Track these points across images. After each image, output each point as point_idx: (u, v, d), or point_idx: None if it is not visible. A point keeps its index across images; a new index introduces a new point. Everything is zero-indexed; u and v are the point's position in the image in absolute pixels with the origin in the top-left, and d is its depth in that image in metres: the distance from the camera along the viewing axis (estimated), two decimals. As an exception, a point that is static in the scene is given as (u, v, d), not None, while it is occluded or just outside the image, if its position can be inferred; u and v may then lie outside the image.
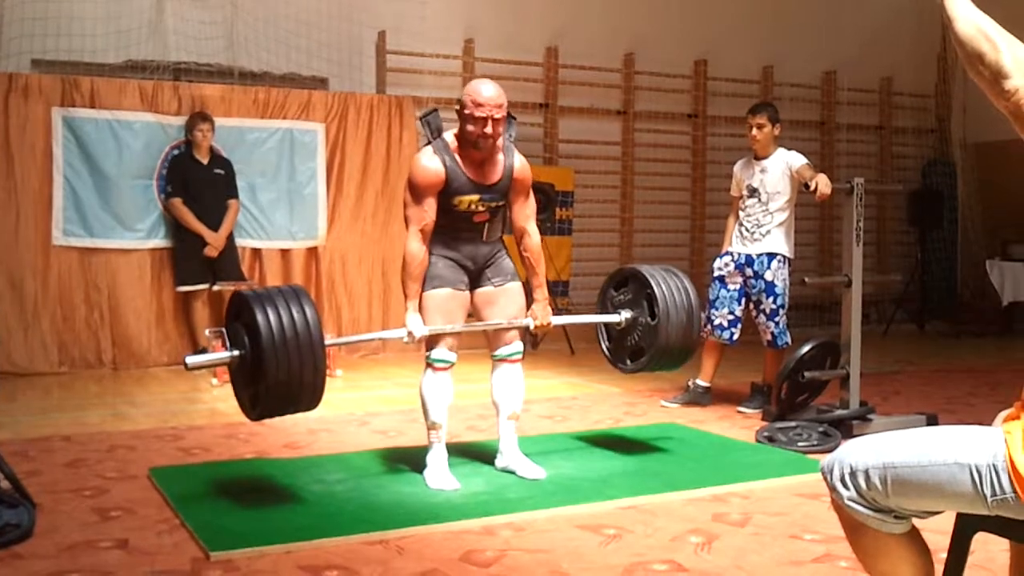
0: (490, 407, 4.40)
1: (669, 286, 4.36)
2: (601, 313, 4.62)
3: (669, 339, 4.35)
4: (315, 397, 3.66)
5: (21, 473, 3.76)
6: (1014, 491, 1.94)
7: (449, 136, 4.09)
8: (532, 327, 4.27)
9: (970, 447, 2.01)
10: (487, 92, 3.96)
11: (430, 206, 4.02)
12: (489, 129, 3.95)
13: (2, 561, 3.19)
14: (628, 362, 4.54)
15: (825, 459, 2.23)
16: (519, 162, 4.21)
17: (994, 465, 1.97)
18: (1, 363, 6.85)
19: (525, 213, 4.26)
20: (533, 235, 4.27)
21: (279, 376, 3.49)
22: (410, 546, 3.35)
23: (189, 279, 7.31)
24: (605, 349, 4.67)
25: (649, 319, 4.38)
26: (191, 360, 3.73)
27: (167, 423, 5.41)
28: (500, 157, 4.14)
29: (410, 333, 4.01)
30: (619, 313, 4.49)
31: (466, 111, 3.97)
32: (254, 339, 3.52)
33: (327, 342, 3.68)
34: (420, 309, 4.06)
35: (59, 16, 7.36)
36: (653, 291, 4.34)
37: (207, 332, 6.80)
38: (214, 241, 7.25)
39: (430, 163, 4.02)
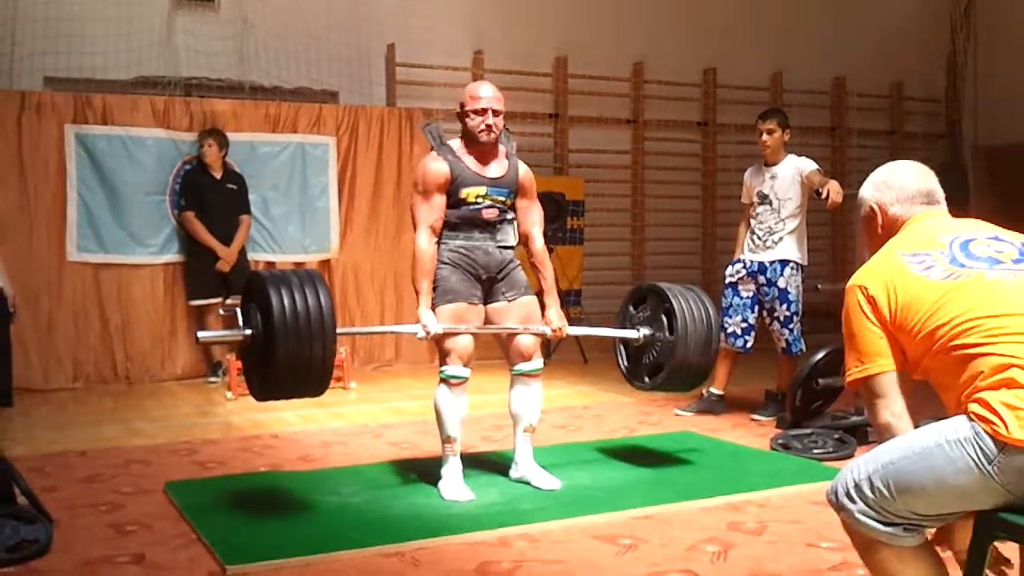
0: (504, 417, 4.40)
1: (689, 303, 4.35)
2: (621, 325, 4.60)
3: (688, 355, 4.33)
4: (323, 383, 3.67)
5: (38, 489, 3.78)
6: (1001, 443, 2.00)
7: (454, 143, 4.21)
8: (548, 334, 4.27)
9: (950, 427, 2.11)
10: (483, 88, 4.18)
11: (437, 203, 4.09)
12: (490, 120, 4.09)
13: (20, 577, 3.20)
14: (646, 379, 4.53)
15: (828, 487, 2.29)
16: (523, 167, 4.32)
17: (976, 432, 2.05)
18: (16, 379, 6.88)
19: (532, 218, 4.31)
20: (537, 239, 4.31)
21: (288, 358, 3.49)
22: (426, 558, 3.35)
23: (202, 293, 7.33)
24: (623, 367, 4.65)
25: (668, 334, 4.37)
26: (203, 335, 3.80)
27: (182, 437, 5.42)
28: (504, 158, 4.24)
29: (424, 327, 4.01)
30: (638, 330, 4.48)
31: (466, 107, 4.15)
32: (266, 320, 3.52)
33: (339, 330, 3.68)
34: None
35: (71, 34, 7.41)
36: (672, 306, 4.32)
37: (220, 311, 6.85)
38: (226, 256, 7.28)
39: (434, 161, 4.14)
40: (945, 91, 11.20)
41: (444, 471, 4.15)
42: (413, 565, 3.29)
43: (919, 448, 2.12)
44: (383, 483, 4.34)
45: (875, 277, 2.34)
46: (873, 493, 2.13)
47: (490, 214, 4.17)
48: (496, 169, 4.20)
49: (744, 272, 5.85)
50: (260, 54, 8.03)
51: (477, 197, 4.13)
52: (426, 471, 4.39)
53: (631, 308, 4.57)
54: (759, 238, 5.83)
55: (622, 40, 9.50)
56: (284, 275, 3.67)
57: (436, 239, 4.11)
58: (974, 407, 2.08)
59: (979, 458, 2.04)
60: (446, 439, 4.14)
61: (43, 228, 7.20)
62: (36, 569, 3.26)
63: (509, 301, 4.22)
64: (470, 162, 4.15)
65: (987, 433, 2.03)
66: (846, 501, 2.18)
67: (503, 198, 4.20)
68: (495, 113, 4.10)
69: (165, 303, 7.52)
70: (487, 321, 4.23)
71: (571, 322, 6.93)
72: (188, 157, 7.52)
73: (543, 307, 4.30)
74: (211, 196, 7.29)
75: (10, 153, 7.10)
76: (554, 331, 4.25)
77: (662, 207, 9.80)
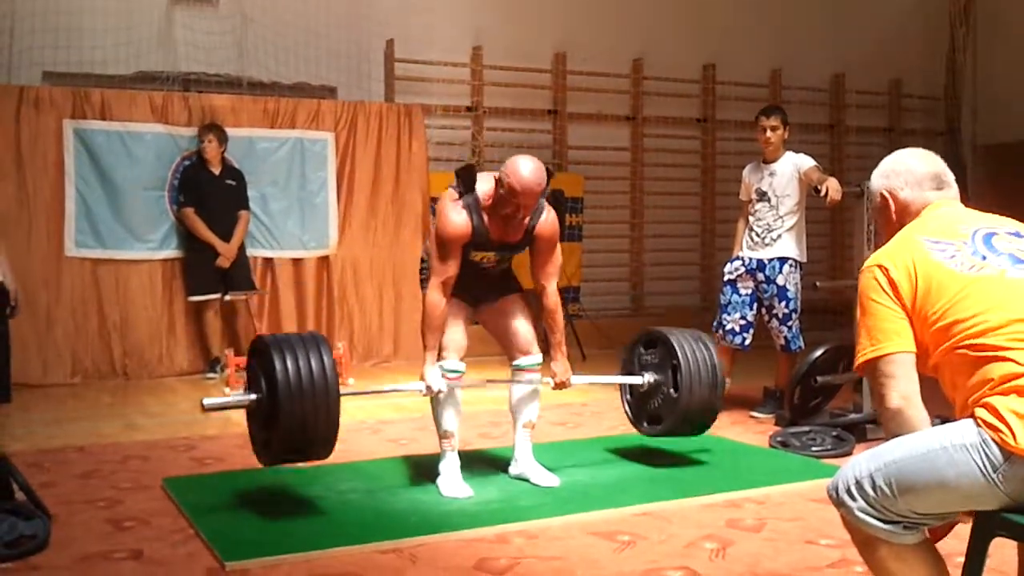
0: (501, 414, 4.41)
1: (696, 358, 4.35)
2: (627, 369, 4.62)
3: (690, 413, 4.37)
4: (327, 447, 3.70)
5: (36, 484, 3.77)
6: (1007, 452, 1.99)
7: (481, 191, 3.97)
8: (552, 386, 4.26)
9: (958, 431, 2.09)
10: (527, 182, 3.82)
11: (454, 261, 3.97)
12: (520, 213, 3.92)
13: (19, 572, 3.20)
14: (646, 424, 4.56)
15: (828, 483, 2.26)
16: (545, 218, 4.07)
17: (983, 439, 2.03)
18: (15, 374, 6.87)
19: (547, 271, 4.16)
20: (552, 295, 4.17)
21: (293, 425, 3.53)
22: (424, 554, 3.35)
23: (201, 289, 7.33)
24: (626, 405, 4.68)
25: (672, 391, 4.38)
26: (208, 402, 3.75)
27: (180, 433, 5.42)
28: (526, 219, 4.04)
29: (428, 387, 3.99)
30: (643, 375, 4.50)
31: (502, 190, 3.88)
32: (271, 386, 3.56)
33: (342, 391, 3.70)
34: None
35: (69, 29, 7.40)
36: (679, 363, 4.33)
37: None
38: (226, 252, 7.27)
39: (459, 219, 3.94)
40: (944, 88, 11.20)
41: (442, 467, 4.15)
42: (411, 561, 3.29)
43: (924, 449, 2.10)
44: (381, 479, 4.34)
45: (896, 259, 2.28)
46: (874, 491, 2.13)
47: (490, 265, 4.15)
48: (515, 234, 4.04)
49: (743, 269, 5.85)
50: (259, 49, 8.02)
51: (483, 258, 4.10)
52: (424, 467, 4.39)
53: (641, 348, 4.58)
54: (758, 235, 5.82)
55: (621, 36, 9.49)
56: (288, 340, 3.70)
57: (447, 296, 3.98)
58: (981, 412, 2.06)
59: (984, 465, 2.03)
60: (444, 434, 4.14)
61: (41, 223, 7.20)
62: (34, 564, 3.25)
63: (493, 302, 4.25)
64: (490, 226, 3.98)
65: (994, 441, 2.02)
66: (846, 498, 2.18)
67: (509, 254, 4.16)
68: (528, 208, 3.90)
69: (163, 299, 7.52)
70: (480, 321, 4.27)
71: (568, 317, 6.93)
72: (187, 153, 7.51)
73: (549, 356, 4.25)
74: (210, 192, 7.29)
75: (8, 148, 7.09)
76: (557, 384, 4.24)
77: (661, 204, 9.79)
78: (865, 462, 2.19)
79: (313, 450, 3.68)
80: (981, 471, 2.03)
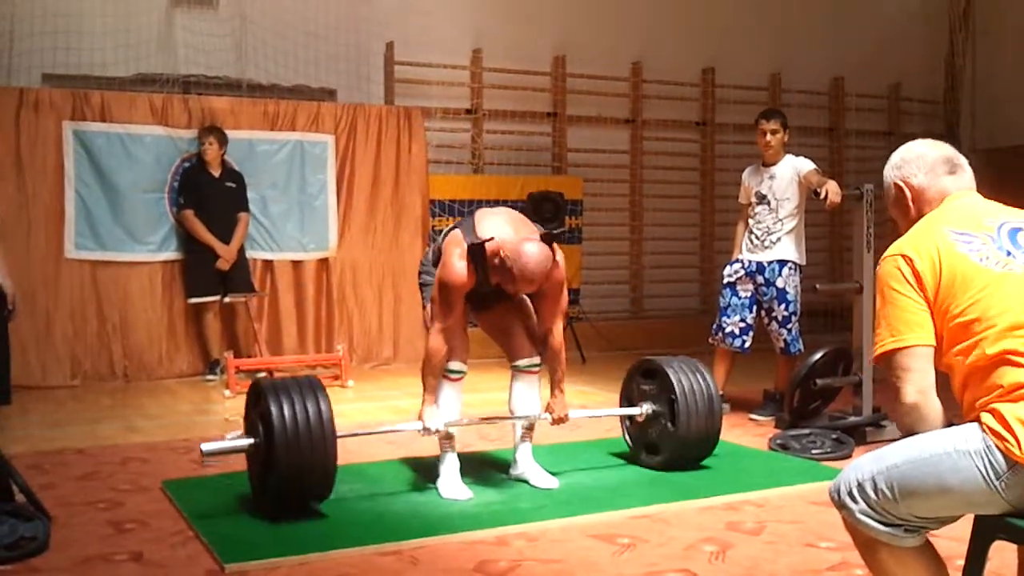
0: (501, 415, 4.40)
1: (694, 389, 4.37)
2: (625, 396, 4.67)
3: (687, 447, 4.41)
4: (324, 492, 3.74)
5: (36, 486, 3.77)
6: (1012, 460, 1.98)
7: (489, 245, 3.84)
8: (550, 421, 4.27)
9: (963, 436, 2.07)
10: (530, 274, 3.73)
11: (457, 307, 3.96)
12: (518, 294, 3.98)
13: (18, 574, 3.20)
14: (644, 455, 4.58)
15: (831, 484, 2.25)
16: (552, 267, 3.92)
17: (987, 446, 2.02)
18: (14, 376, 6.87)
19: (553, 313, 4.12)
20: (557, 335, 4.15)
21: (290, 472, 3.58)
22: (424, 556, 3.35)
23: (200, 291, 7.33)
24: (626, 433, 4.70)
25: (670, 424, 4.40)
26: (206, 448, 3.77)
27: (180, 435, 5.41)
28: None
29: (426, 429, 3.99)
30: (641, 406, 4.52)
31: (507, 265, 3.75)
32: (268, 432, 3.61)
33: (340, 435, 3.74)
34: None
35: (69, 31, 7.40)
36: (676, 398, 4.35)
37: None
38: (225, 254, 7.28)
39: (463, 270, 3.88)
40: (943, 92, 11.23)
41: (442, 469, 4.15)
42: (411, 564, 3.29)
43: (927, 454, 2.09)
44: (381, 481, 4.34)
45: (920, 249, 2.21)
46: (876, 494, 2.12)
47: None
48: (516, 287, 3.94)
49: (742, 272, 5.85)
50: (258, 51, 8.03)
51: (483, 298, 4.12)
52: (424, 469, 4.40)
53: (640, 377, 4.60)
54: (757, 238, 5.83)
55: (621, 39, 9.50)
56: (285, 385, 3.74)
57: (448, 344, 3.95)
58: (987, 418, 2.05)
59: (987, 472, 2.02)
60: (444, 436, 4.14)
61: (41, 225, 7.20)
62: (34, 567, 3.25)
63: (493, 307, 4.24)
64: (493, 275, 3.87)
65: (999, 449, 2.01)
66: (848, 500, 2.17)
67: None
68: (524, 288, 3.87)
69: (163, 301, 7.52)
70: (481, 324, 4.28)
71: (568, 320, 6.93)
72: (187, 155, 7.51)
73: (552, 392, 4.25)
74: (210, 194, 7.29)
75: (8, 150, 7.09)
76: (555, 420, 4.25)
77: (660, 207, 9.80)
78: (867, 464, 2.18)
79: (310, 495, 3.72)
80: (984, 478, 2.02)
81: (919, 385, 2.15)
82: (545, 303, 4.11)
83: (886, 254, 2.28)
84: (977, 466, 2.02)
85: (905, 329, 2.17)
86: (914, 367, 2.15)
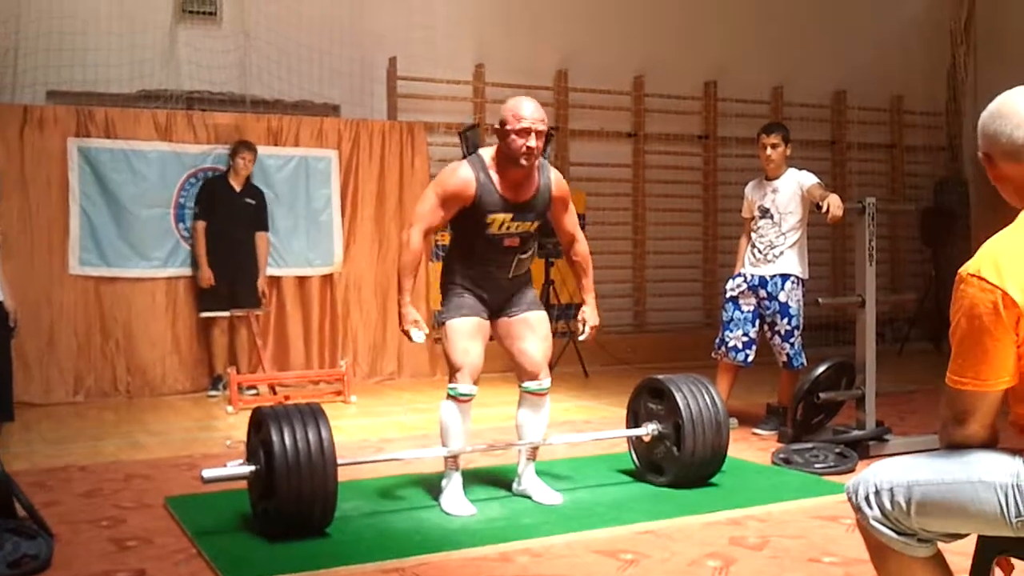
0: (506, 431, 4.41)
1: (700, 410, 4.35)
2: (632, 412, 4.66)
3: (692, 469, 4.39)
4: (325, 516, 3.72)
5: (38, 503, 3.76)
6: None
7: (486, 153, 4.02)
8: (582, 333, 4.35)
9: (991, 466, 2.02)
10: (528, 106, 3.91)
11: (445, 212, 3.99)
12: (533, 142, 3.87)
13: (20, 592, 3.20)
14: (650, 474, 4.57)
15: (850, 480, 2.22)
16: (555, 176, 4.16)
17: (1017, 485, 1.98)
18: (17, 393, 6.88)
19: (572, 221, 4.31)
20: (581, 241, 4.36)
21: (290, 500, 3.58)
22: (427, 573, 3.35)
23: (211, 305, 7.32)
24: (633, 452, 4.68)
25: (675, 448, 4.39)
26: (207, 474, 3.76)
27: (183, 452, 5.41)
28: (535, 175, 4.07)
29: (406, 332, 4.00)
30: (647, 426, 4.51)
31: (507, 126, 3.90)
32: (268, 459, 3.61)
33: (340, 462, 3.73)
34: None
35: (73, 48, 7.43)
36: (683, 421, 4.33)
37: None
38: (201, 277, 7.28)
39: (464, 172, 3.96)
40: (945, 104, 11.23)
41: (445, 485, 4.14)
42: (414, 580, 3.28)
43: (950, 479, 2.04)
44: (384, 498, 4.33)
45: (1019, 280, 1.95)
46: (891, 505, 2.10)
47: (511, 242, 4.08)
48: (526, 191, 4.03)
49: (745, 286, 5.85)
50: (262, 67, 8.05)
51: (502, 224, 4.02)
52: (427, 486, 4.39)
53: (647, 395, 4.59)
54: (760, 252, 5.83)
55: (623, 53, 9.52)
56: (287, 412, 3.74)
57: (426, 247, 4.04)
58: None
59: (1006, 509, 1.98)
60: (449, 456, 4.13)
61: (45, 241, 7.22)
62: (37, 584, 3.25)
63: (510, 317, 4.22)
64: (499, 183, 3.96)
65: None
66: (863, 504, 2.14)
67: (529, 223, 4.09)
68: (539, 135, 3.87)
69: (167, 317, 7.53)
70: (496, 336, 4.26)
71: (571, 334, 6.91)
72: (193, 170, 7.54)
73: (581, 304, 4.38)
74: (224, 207, 7.28)
75: (13, 166, 7.12)
76: (591, 328, 4.33)
77: (663, 220, 9.81)
78: (888, 473, 2.14)
79: (311, 522, 3.70)
80: (1003, 512, 1.98)
81: (983, 422, 2.05)
82: (561, 215, 4.24)
83: (979, 272, 1.99)
84: (999, 501, 1.99)
85: (990, 376, 2.00)
86: (984, 407, 2.04)
